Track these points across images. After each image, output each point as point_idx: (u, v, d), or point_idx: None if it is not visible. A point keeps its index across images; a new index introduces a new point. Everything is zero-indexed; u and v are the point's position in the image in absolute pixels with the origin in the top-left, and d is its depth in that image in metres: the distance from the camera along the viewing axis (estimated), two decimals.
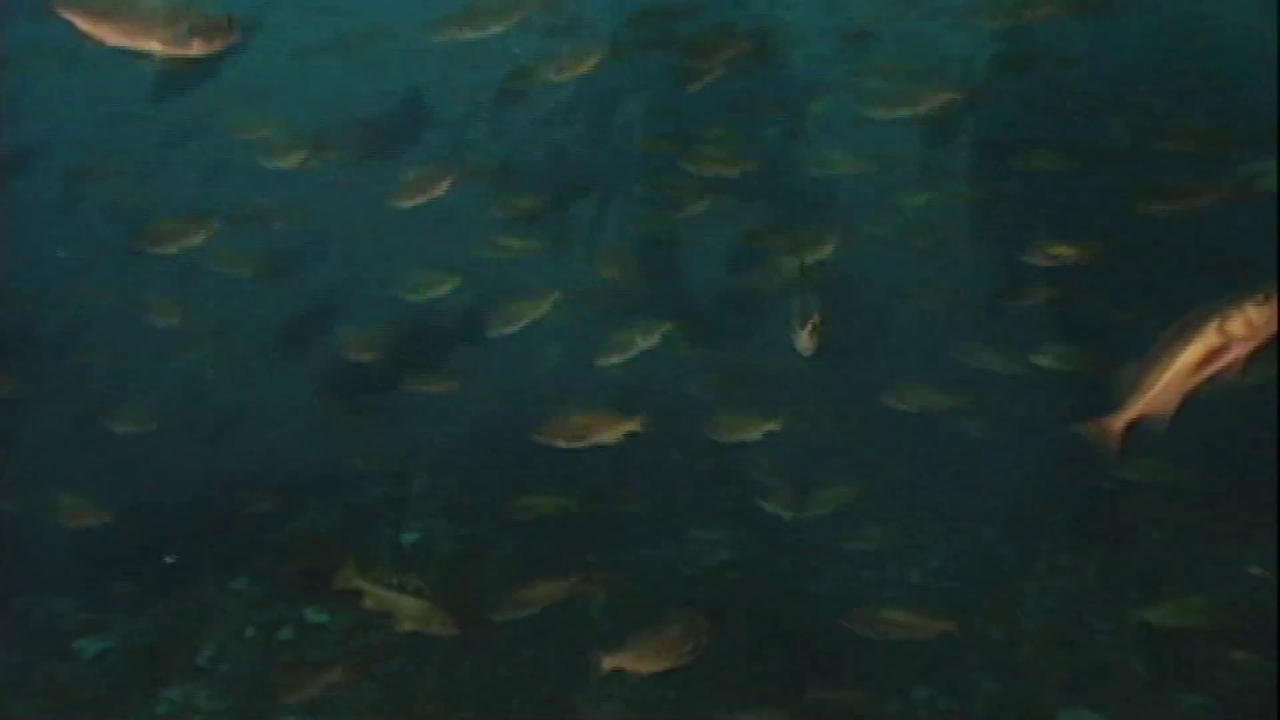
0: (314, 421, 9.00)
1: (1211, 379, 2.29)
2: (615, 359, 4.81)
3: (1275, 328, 2.16)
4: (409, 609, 4.20)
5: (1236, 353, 2.23)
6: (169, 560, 6.80)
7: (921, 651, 6.26)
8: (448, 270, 5.79)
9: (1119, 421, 2.48)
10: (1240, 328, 2.19)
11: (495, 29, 4.55)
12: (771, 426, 4.96)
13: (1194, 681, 5.53)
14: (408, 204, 4.94)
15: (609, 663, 4.32)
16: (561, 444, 4.34)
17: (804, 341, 4.06)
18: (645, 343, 4.74)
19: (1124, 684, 5.40)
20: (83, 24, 3.08)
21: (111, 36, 3.07)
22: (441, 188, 4.93)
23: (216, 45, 3.10)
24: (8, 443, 8.63)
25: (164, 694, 5.97)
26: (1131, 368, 2.42)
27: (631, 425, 4.34)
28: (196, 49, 3.07)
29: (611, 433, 4.32)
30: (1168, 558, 6.89)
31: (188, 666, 6.18)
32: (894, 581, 7.31)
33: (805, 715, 5.34)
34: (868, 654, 6.45)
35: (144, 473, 8.27)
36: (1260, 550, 6.89)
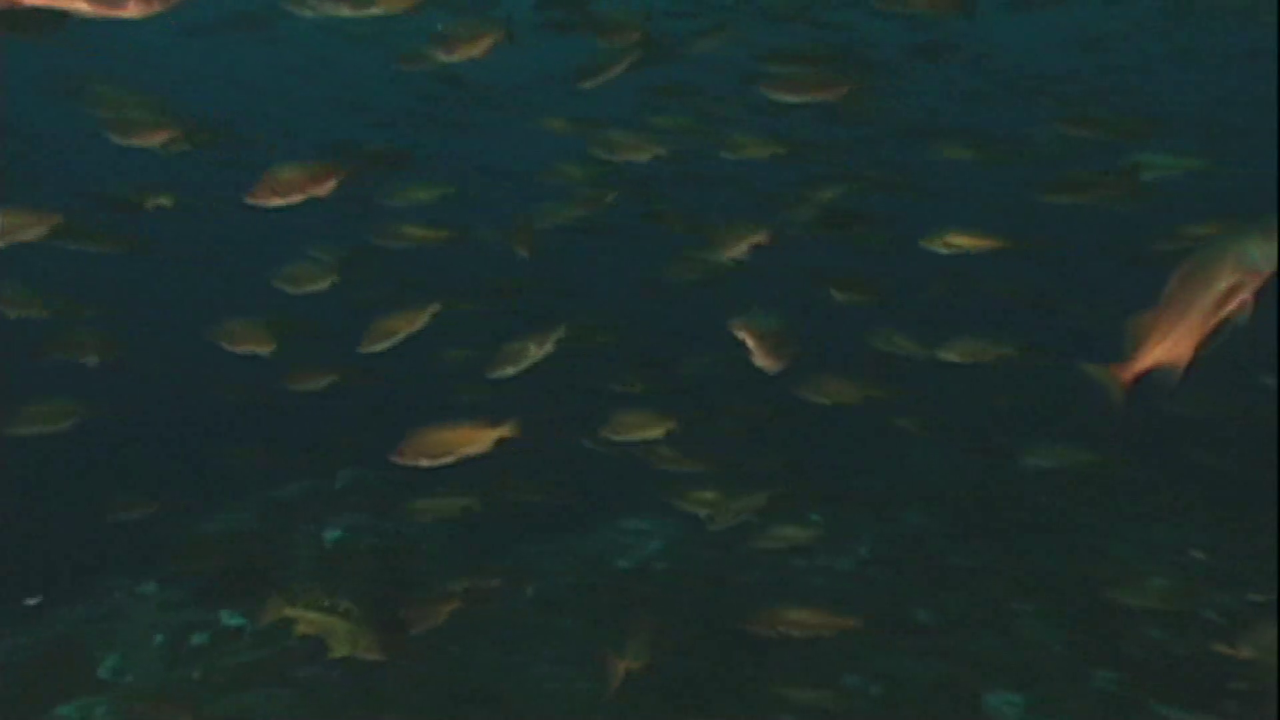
0: (226, 414, 8.65)
1: (1223, 322, 2.19)
2: (510, 370, 4.45)
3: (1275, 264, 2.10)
4: (340, 632, 3.99)
5: (1248, 291, 2.15)
6: (31, 602, 6.34)
7: (851, 639, 6.32)
8: (328, 265, 5.33)
9: (1131, 372, 2.33)
10: (1253, 263, 2.12)
11: (377, 10, 4.18)
12: (669, 426, 4.74)
13: (1108, 659, 5.68)
14: (269, 204, 4.27)
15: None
16: (425, 463, 3.99)
17: (763, 360, 4.01)
18: (540, 352, 4.43)
19: (1044, 665, 5.51)
20: None
21: None
22: (321, 187, 4.29)
23: (155, 8, 2.84)
24: None
25: (59, 710, 5.57)
26: (1142, 315, 2.28)
27: (502, 432, 4.02)
28: (132, 11, 2.81)
29: (479, 444, 4.00)
30: (1091, 541, 7.08)
31: (87, 679, 5.80)
32: (824, 569, 7.35)
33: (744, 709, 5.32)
34: (797, 643, 6.49)
35: (42, 473, 7.85)
36: (1185, 531, 7.14)
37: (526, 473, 6.13)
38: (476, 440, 4.00)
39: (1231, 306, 2.17)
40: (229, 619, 6.12)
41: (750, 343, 4.06)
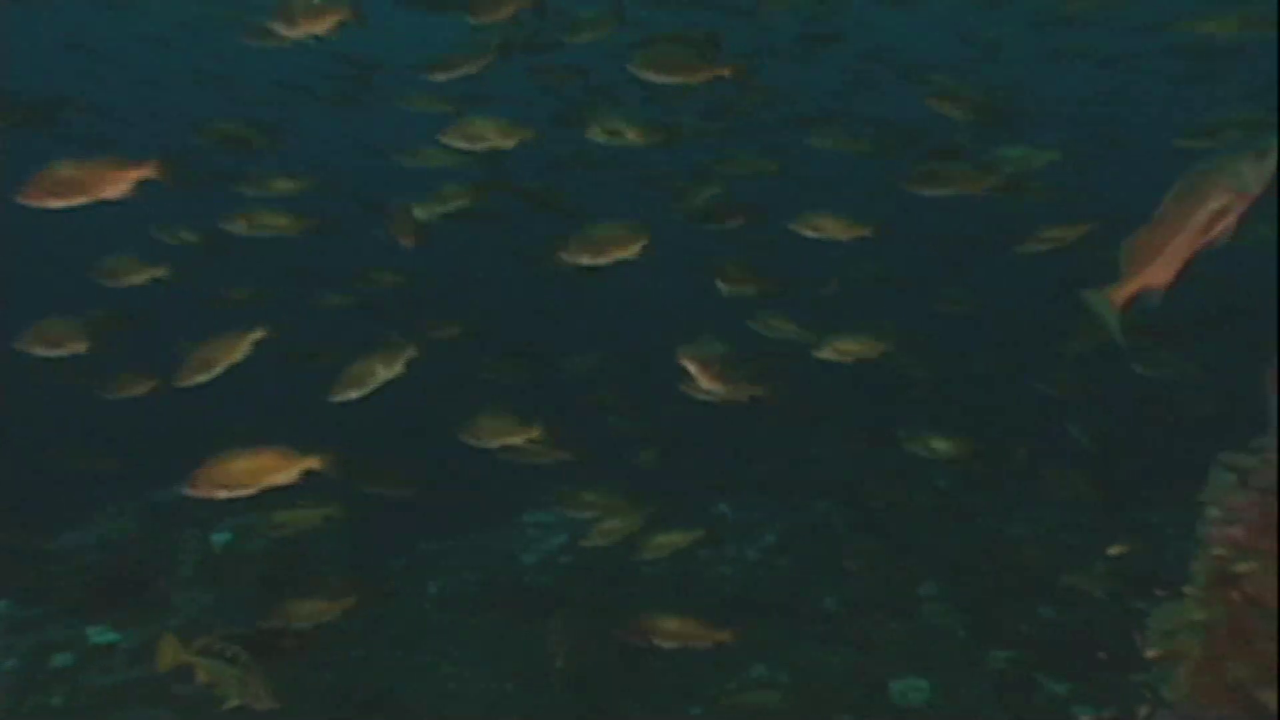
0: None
1: (1209, 244, 2.19)
2: (353, 394, 4.09)
3: (1266, 184, 2.11)
4: (232, 681, 3.68)
5: (1235, 213, 2.15)
6: None
7: (757, 628, 6.35)
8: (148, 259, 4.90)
9: (1125, 291, 2.28)
10: (1244, 185, 2.11)
11: None
12: (532, 433, 4.53)
13: (1004, 639, 5.86)
14: (45, 205, 3.66)
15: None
16: (223, 495, 3.59)
17: (710, 387, 3.93)
18: (388, 374, 4.11)
19: (946, 648, 5.63)
20: None
21: None
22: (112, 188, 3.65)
23: None
24: None
25: None
26: (1133, 236, 2.26)
27: (311, 463, 3.66)
28: None
29: (283, 475, 3.62)
30: (986, 524, 7.29)
31: None
32: (731, 558, 7.37)
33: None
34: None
35: None
36: (1072, 512, 7.41)
37: (420, 471, 5.90)
38: (279, 470, 3.64)
39: (1218, 229, 2.17)
40: (98, 636, 5.61)
41: (694, 370, 3.98)
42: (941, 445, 5.60)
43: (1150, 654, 2.09)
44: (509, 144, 4.81)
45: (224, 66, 13.56)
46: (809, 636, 5.98)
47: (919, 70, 8.94)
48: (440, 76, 5.11)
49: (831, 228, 5.06)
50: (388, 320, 6.14)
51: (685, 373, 4.40)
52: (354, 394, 4.09)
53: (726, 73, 4.75)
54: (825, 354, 5.21)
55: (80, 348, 4.39)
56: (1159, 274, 2.22)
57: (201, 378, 4.09)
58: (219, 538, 6.16)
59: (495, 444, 4.50)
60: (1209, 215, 2.15)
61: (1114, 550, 2.20)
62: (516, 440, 4.51)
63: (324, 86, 12.15)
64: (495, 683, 6.22)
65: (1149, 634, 2.27)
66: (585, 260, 4.25)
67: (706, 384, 4.01)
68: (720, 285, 5.76)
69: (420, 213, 5.16)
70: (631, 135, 5.25)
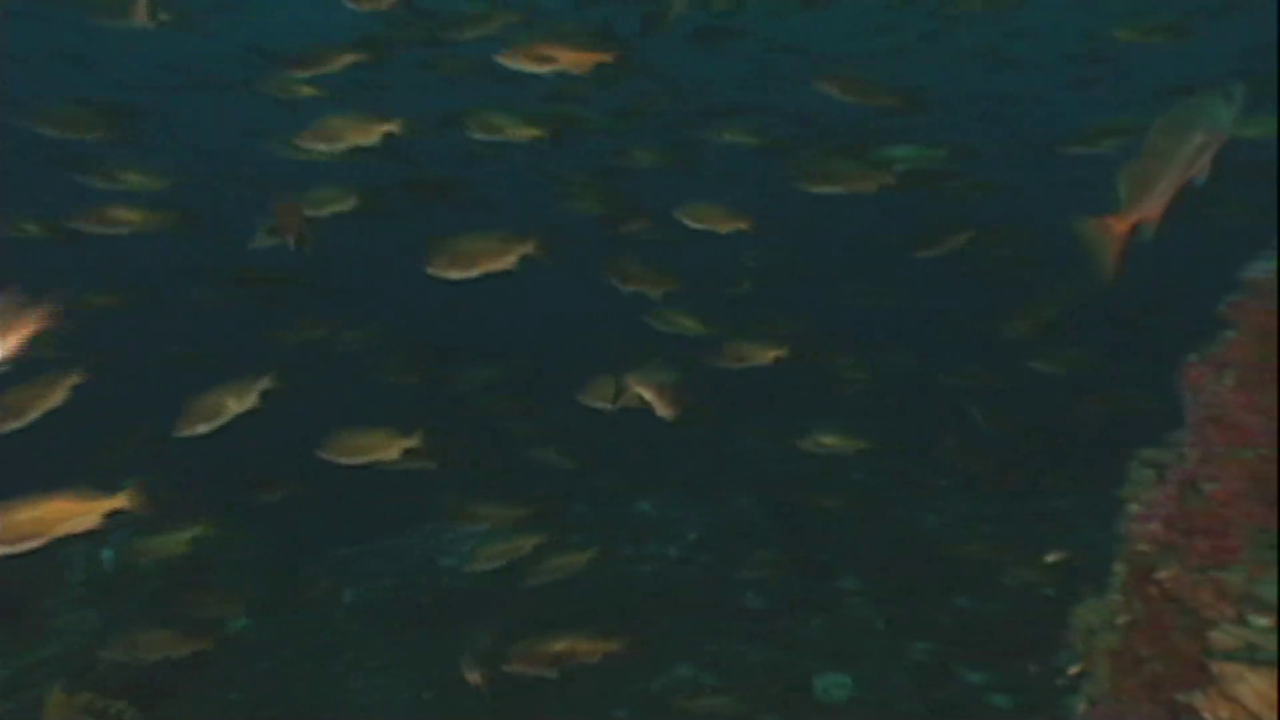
0: None
1: (1189, 180, 2.30)
2: (202, 429, 3.87)
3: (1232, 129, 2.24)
4: None
5: (1211, 152, 2.24)
6: None
7: (682, 627, 6.31)
8: None
9: (1126, 222, 2.35)
10: (1218, 126, 2.22)
11: None
12: (409, 443, 4.33)
13: (923, 630, 5.94)
14: None
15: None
16: (5, 551, 3.35)
17: (664, 411, 3.91)
18: (240, 407, 3.88)
19: (868, 642, 5.68)
20: None
21: None
22: None
23: None
24: None
25: None
26: (1126, 168, 2.35)
27: (117, 503, 3.41)
28: None
29: (83, 520, 3.30)
30: (901, 515, 7.40)
31: None
32: (653, 556, 7.32)
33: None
34: (622, 634, 6.42)
35: None
36: (983, 501, 7.57)
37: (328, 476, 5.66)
38: (79, 516, 3.37)
39: (1197, 166, 2.27)
40: None
41: (650, 396, 3.94)
42: (835, 441, 5.63)
43: (1072, 670, 2.10)
44: (368, 140, 4.50)
45: (95, 49, 12.84)
46: (732, 634, 5.96)
47: (827, 64, 9.05)
48: (301, 73, 4.85)
49: (713, 218, 5.03)
50: (275, 319, 5.90)
51: (599, 390, 4.39)
52: (202, 429, 3.86)
53: (609, 59, 4.59)
54: (725, 362, 5.18)
55: None
56: (1152, 206, 2.31)
57: (14, 425, 3.75)
58: (109, 553, 5.82)
59: (362, 460, 4.25)
60: (1190, 152, 2.25)
61: (1052, 558, 2.20)
62: (388, 455, 4.27)
63: (214, 70, 11.65)
64: (413, 692, 6.05)
65: (1071, 630, 2.27)
66: (454, 275, 4.04)
67: (662, 411, 3.96)
68: (618, 284, 5.71)
69: (313, 208, 4.86)
70: (512, 131, 5.10)
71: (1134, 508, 2.10)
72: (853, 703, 5.00)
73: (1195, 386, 2.11)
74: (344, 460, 4.26)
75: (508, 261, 4.02)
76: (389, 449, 4.23)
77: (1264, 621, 1.40)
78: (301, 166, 5.62)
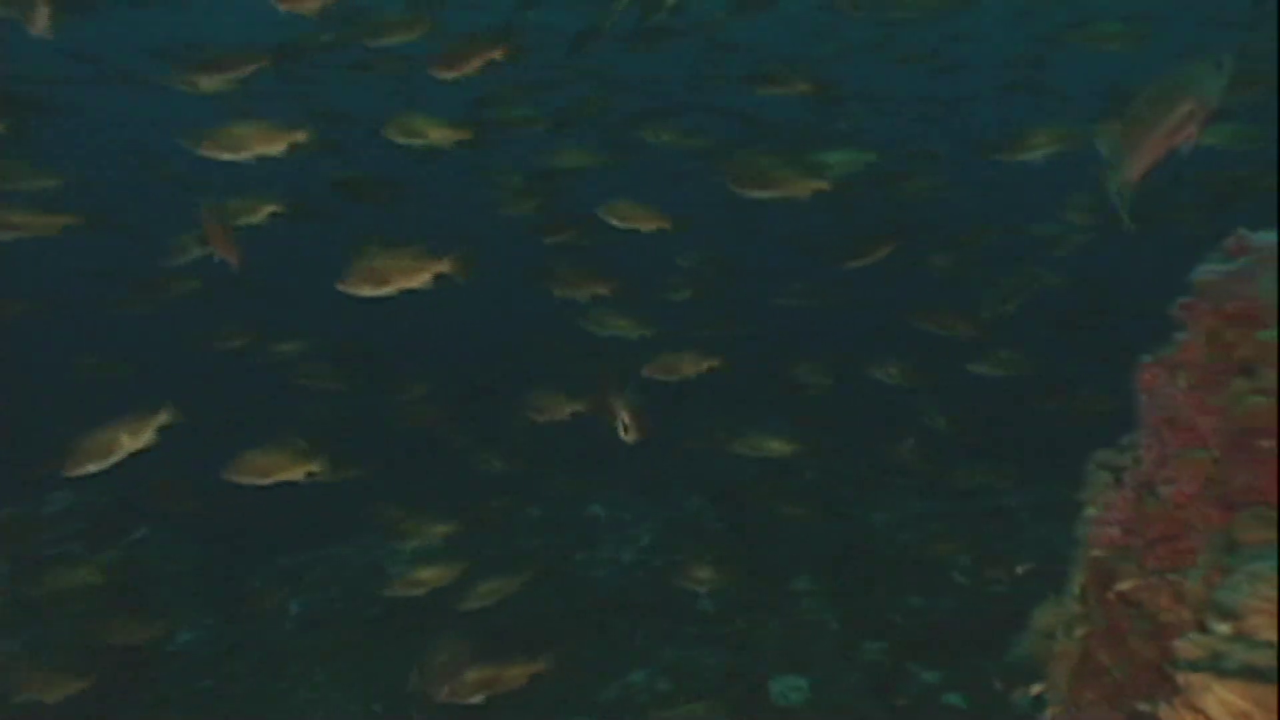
0: None
1: (1174, 148, 2.37)
2: (91, 468, 3.71)
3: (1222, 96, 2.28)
4: None
5: (1198, 121, 2.29)
6: None
7: (633, 632, 6.26)
8: None
9: (1121, 180, 2.44)
10: (1206, 95, 2.26)
11: None
12: (312, 468, 4.15)
13: (876, 630, 5.96)
14: None
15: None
16: None
17: (634, 434, 3.96)
18: (134, 444, 3.72)
19: (822, 643, 5.68)
20: None
21: None
22: None
23: None
24: None
25: None
26: (1109, 130, 2.43)
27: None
28: None
29: None
30: (854, 514, 7.42)
31: None
32: (606, 561, 7.26)
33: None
34: (580, 641, 6.35)
35: None
36: (932, 500, 7.63)
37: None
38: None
39: (1183, 134, 2.32)
40: None
41: (627, 420, 3.98)
42: (776, 445, 5.63)
43: (1029, 691, 2.08)
44: (275, 150, 4.31)
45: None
46: (686, 638, 5.92)
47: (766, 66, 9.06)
48: (206, 81, 4.67)
49: (637, 217, 5.00)
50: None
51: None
52: (93, 468, 3.71)
53: (498, 55, 4.49)
54: (653, 373, 5.15)
55: None
56: (1131, 171, 2.40)
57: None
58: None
59: (267, 481, 4.10)
60: (1178, 120, 2.30)
61: (1020, 569, 2.20)
62: (292, 476, 4.12)
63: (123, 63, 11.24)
64: (363, 704, 5.91)
65: (1028, 635, 2.26)
66: (366, 292, 3.92)
67: (631, 435, 4.02)
68: (554, 288, 5.66)
69: (241, 216, 4.63)
70: (434, 135, 5.00)
71: (1091, 511, 2.09)
72: (809, 705, 4.99)
73: (1150, 388, 2.10)
74: (247, 481, 4.09)
75: (422, 279, 3.90)
76: (293, 470, 4.07)
77: (1226, 628, 1.38)
78: (225, 165, 5.44)
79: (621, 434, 3.99)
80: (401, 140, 4.87)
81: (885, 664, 5.60)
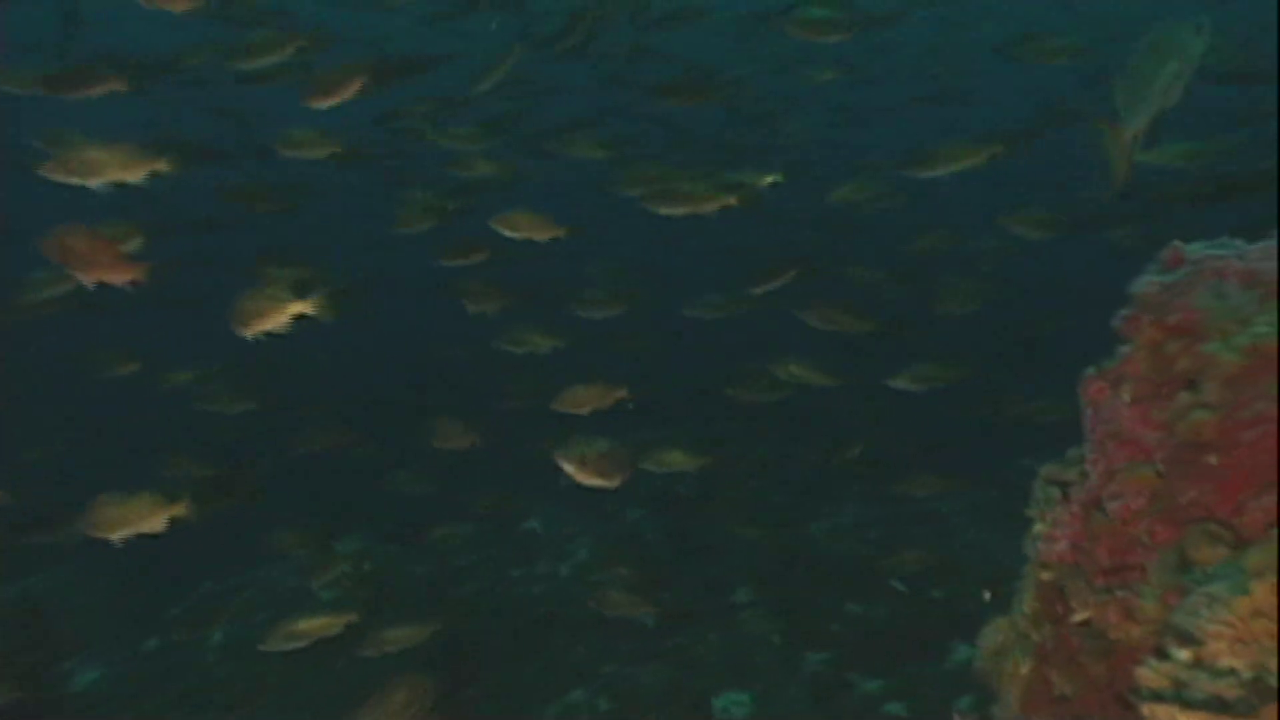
0: None
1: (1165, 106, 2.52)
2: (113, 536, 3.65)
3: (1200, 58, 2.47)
4: None
5: (1183, 80, 2.45)
6: None
7: (573, 649, 6.15)
8: None
9: (1129, 132, 2.55)
10: (1190, 54, 2.43)
11: None
12: (177, 510, 3.86)
13: (818, 640, 5.94)
14: None
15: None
16: None
17: (602, 481, 3.97)
18: (149, 527, 3.63)
19: (764, 656, 5.64)
20: None
21: None
22: None
23: None
24: None
25: None
26: (1119, 84, 2.55)
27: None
28: None
29: None
30: (793, 523, 7.41)
31: None
32: (544, 577, 7.13)
33: None
34: (519, 660, 6.22)
35: None
36: (864, 506, 7.66)
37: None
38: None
39: (1171, 93, 2.47)
40: None
41: (580, 472, 4.01)
42: (678, 458, 5.63)
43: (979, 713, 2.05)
44: (133, 178, 4.02)
45: None
46: (627, 654, 5.83)
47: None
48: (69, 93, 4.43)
49: (531, 227, 4.96)
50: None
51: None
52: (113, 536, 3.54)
53: (367, 82, 4.39)
54: (561, 407, 5.09)
55: None
56: (1141, 122, 2.54)
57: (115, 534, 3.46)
58: None
59: (125, 534, 3.86)
60: (1168, 77, 2.47)
61: (987, 596, 2.15)
62: (154, 527, 3.87)
63: None
64: None
65: (978, 653, 2.22)
66: (243, 332, 3.74)
67: (598, 479, 4.04)
68: (467, 304, 5.58)
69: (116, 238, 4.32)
70: (318, 150, 4.88)
71: (1040, 528, 2.07)
72: None
73: (1095, 401, 2.09)
74: (104, 535, 3.83)
75: (279, 322, 3.72)
76: (153, 519, 3.82)
77: (1186, 655, 1.35)
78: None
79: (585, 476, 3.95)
80: (290, 154, 4.70)
81: (827, 674, 5.58)
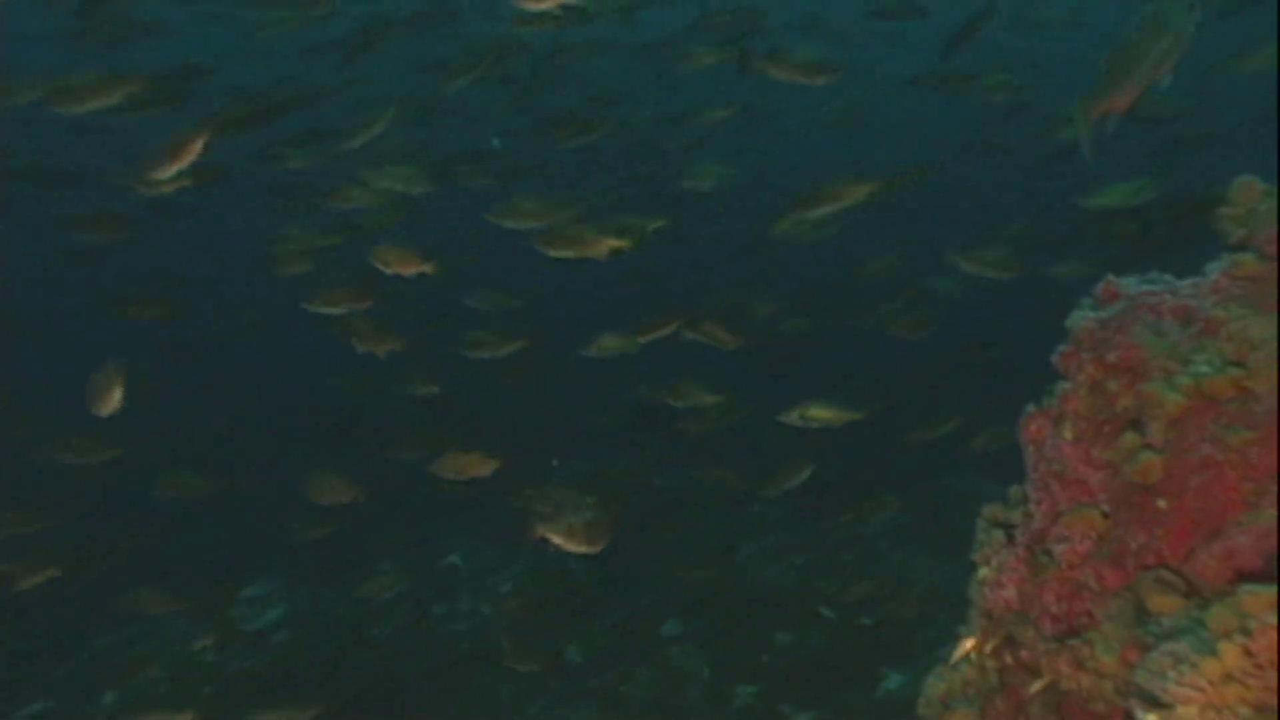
0: None
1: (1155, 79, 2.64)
2: None
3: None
4: None
5: (1176, 54, 2.56)
6: None
7: (498, 689, 5.94)
8: None
9: (1104, 105, 2.66)
10: (1181, 29, 2.55)
11: None
12: (52, 572, 3.79)
13: (747, 672, 5.86)
14: None
15: None
16: None
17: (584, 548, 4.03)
18: None
19: (693, 691, 5.53)
20: None
21: None
22: None
23: None
24: None
25: None
26: (1108, 58, 2.65)
27: None
28: None
29: None
30: (720, 552, 7.33)
31: None
32: (466, 614, 6.90)
33: None
34: (442, 701, 5.99)
35: None
36: (797, 534, 7.63)
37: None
38: None
39: (1163, 68, 2.57)
40: None
41: (568, 542, 4.05)
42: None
43: None
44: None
45: None
46: (554, 693, 5.65)
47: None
48: None
49: (401, 261, 4.90)
50: None
51: None
52: None
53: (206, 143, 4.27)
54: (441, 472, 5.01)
55: None
56: (1120, 100, 2.64)
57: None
58: None
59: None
60: (1159, 53, 2.56)
61: (965, 647, 2.06)
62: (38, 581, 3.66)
63: None
64: None
65: (923, 701, 2.14)
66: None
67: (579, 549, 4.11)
68: (355, 343, 5.43)
69: None
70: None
71: (985, 572, 2.00)
72: None
73: (1036, 440, 2.04)
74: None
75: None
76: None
77: (1154, 719, 1.29)
78: None
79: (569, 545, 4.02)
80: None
81: (758, 707, 5.50)
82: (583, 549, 4.02)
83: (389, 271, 4.84)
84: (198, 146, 4.08)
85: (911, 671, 5.41)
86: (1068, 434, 1.99)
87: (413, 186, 5.66)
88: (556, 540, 4.01)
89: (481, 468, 4.77)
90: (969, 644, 1.81)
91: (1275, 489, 1.53)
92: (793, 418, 5.53)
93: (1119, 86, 2.63)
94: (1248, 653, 1.19)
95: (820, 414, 5.50)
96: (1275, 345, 1.68)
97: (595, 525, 3.97)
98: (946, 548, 6.81)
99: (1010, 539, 2.00)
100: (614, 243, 4.93)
